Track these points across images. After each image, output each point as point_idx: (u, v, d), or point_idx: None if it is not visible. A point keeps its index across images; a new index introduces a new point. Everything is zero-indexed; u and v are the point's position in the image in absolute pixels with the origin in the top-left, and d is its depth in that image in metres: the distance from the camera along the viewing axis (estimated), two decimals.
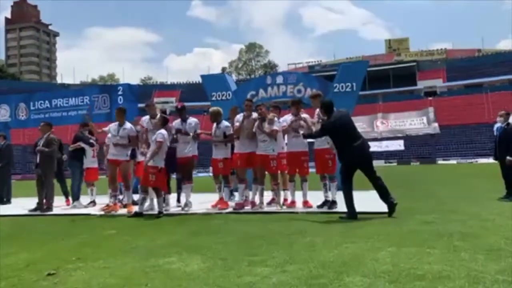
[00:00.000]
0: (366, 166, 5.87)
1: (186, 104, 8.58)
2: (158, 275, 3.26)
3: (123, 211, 7.39)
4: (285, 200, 7.21)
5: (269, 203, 7.17)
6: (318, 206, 6.68)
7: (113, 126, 7.59)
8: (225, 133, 7.18)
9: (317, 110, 6.73)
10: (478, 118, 52.05)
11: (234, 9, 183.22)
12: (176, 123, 7.46)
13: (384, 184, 5.88)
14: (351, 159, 5.78)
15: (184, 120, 7.37)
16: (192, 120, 7.45)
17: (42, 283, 3.17)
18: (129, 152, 7.62)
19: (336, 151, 6.24)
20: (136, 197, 7.84)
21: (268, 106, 7.86)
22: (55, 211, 7.98)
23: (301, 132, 6.70)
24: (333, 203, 6.55)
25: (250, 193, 7.09)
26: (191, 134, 7.22)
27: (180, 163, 7.30)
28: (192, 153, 7.36)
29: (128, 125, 7.64)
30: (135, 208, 7.06)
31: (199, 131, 7.44)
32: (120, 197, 8.03)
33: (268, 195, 7.39)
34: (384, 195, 5.79)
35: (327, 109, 5.99)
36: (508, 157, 7.50)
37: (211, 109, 7.49)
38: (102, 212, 7.40)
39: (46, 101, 10.98)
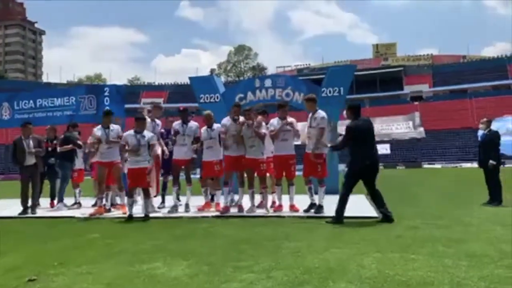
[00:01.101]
0: (373, 177, 5.99)
1: (173, 105, 8.56)
2: (142, 280, 3.22)
3: (109, 214, 7.33)
4: (273, 203, 7.22)
5: (258, 206, 7.16)
6: (305, 210, 6.68)
7: (99, 130, 7.47)
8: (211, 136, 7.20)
9: (310, 114, 6.74)
10: (463, 123, 52.90)
11: (222, 10, 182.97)
12: (176, 124, 7.45)
13: (381, 195, 5.98)
14: (362, 165, 5.85)
15: (185, 123, 7.35)
16: (193, 123, 7.43)
17: None
18: (118, 153, 7.52)
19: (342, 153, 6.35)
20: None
21: (259, 109, 7.87)
22: (39, 213, 7.82)
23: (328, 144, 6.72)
24: (319, 207, 6.55)
25: (235, 196, 7.04)
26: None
27: (180, 165, 7.33)
28: (191, 155, 7.39)
29: (115, 126, 7.58)
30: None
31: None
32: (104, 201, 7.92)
33: (256, 199, 7.38)
34: (381, 205, 5.87)
35: (356, 111, 6.08)
36: (490, 161, 7.67)
37: (206, 112, 7.44)
38: (86, 215, 7.29)
39: (31, 101, 10.78)
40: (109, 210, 7.58)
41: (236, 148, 6.99)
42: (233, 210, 6.99)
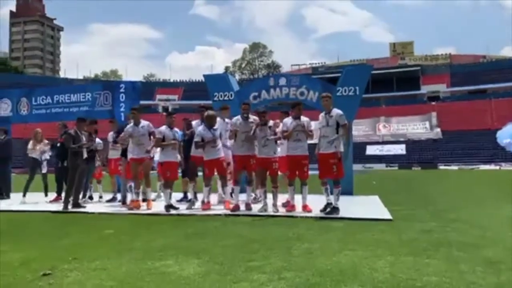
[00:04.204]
0: None
1: (188, 102, 8.66)
2: (154, 278, 3.24)
3: (124, 209, 7.43)
4: (288, 202, 7.21)
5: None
6: (321, 210, 6.60)
7: (129, 128, 7.60)
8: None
9: (323, 113, 6.67)
10: (481, 124, 51.88)
11: (237, 8, 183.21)
12: (196, 123, 7.77)
13: None
14: None
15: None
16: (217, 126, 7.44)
17: (37, 284, 3.15)
18: (150, 149, 7.68)
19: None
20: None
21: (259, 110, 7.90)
22: (56, 207, 7.96)
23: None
24: (334, 209, 6.43)
25: (243, 196, 7.25)
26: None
27: (197, 162, 7.62)
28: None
29: (144, 122, 7.69)
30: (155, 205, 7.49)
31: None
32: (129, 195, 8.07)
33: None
34: None
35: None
36: None
37: (210, 113, 7.41)
38: (101, 210, 7.43)
39: (48, 97, 10.98)
40: (144, 201, 7.80)
41: (246, 147, 7.02)
42: (242, 208, 7.01)
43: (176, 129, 7.57)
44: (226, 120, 7.91)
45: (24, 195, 9.23)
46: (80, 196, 8.39)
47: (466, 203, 8.68)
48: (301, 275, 3.22)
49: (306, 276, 3.20)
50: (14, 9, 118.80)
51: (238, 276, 3.23)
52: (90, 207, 7.95)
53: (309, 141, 6.91)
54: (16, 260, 3.82)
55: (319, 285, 3.00)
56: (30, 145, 9.59)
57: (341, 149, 6.56)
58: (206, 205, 7.25)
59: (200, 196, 7.67)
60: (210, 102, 10.91)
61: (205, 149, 7.18)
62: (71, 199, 7.82)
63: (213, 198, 7.73)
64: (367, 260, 3.68)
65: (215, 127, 7.24)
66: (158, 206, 7.58)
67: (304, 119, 6.83)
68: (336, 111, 6.56)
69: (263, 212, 6.73)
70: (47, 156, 9.69)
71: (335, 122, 6.49)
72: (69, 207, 7.72)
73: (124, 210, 7.53)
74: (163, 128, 7.37)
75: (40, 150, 9.50)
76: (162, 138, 7.28)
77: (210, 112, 7.43)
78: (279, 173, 7.26)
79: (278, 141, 7.06)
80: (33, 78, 74.47)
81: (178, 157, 7.55)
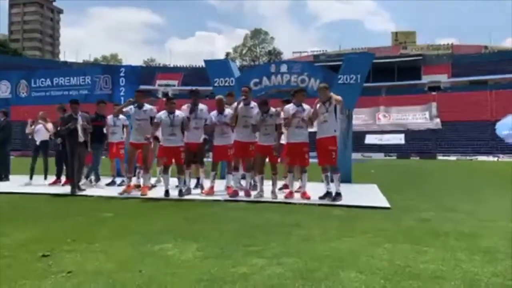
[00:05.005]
0: None
1: (188, 88, 8.60)
2: (153, 261, 3.26)
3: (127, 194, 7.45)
4: (286, 186, 7.28)
5: (280, 189, 7.32)
6: (320, 198, 6.62)
7: (132, 109, 7.51)
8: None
9: (317, 100, 6.65)
10: (481, 115, 51.90)
11: None
12: (186, 107, 7.57)
13: None
14: None
15: (196, 105, 7.41)
16: (203, 106, 7.48)
17: (37, 265, 3.16)
18: (149, 135, 7.58)
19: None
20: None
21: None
22: (56, 190, 7.98)
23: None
24: (337, 195, 6.45)
25: (242, 182, 7.28)
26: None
27: (192, 148, 7.47)
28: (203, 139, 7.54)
29: (147, 106, 7.61)
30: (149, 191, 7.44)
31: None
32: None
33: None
34: None
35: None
36: None
37: (218, 97, 7.40)
38: (99, 194, 7.43)
39: (48, 79, 10.93)
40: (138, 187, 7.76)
41: (246, 134, 6.99)
42: (241, 194, 7.05)
43: (213, 112, 7.34)
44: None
45: (31, 178, 9.31)
46: (82, 178, 8.37)
47: (464, 193, 8.72)
48: (300, 261, 3.24)
49: (304, 262, 3.22)
50: None
51: (237, 260, 3.25)
52: (89, 191, 7.95)
53: (310, 129, 6.91)
54: (16, 242, 3.84)
55: (317, 270, 3.02)
56: (39, 127, 9.43)
57: (339, 131, 6.71)
58: (210, 190, 7.26)
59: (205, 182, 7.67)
60: (210, 88, 10.86)
61: (214, 134, 7.21)
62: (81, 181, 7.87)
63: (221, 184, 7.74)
64: (365, 247, 3.70)
65: (225, 113, 7.20)
66: (158, 192, 7.57)
67: (305, 106, 6.80)
68: (333, 96, 6.53)
69: (259, 198, 6.75)
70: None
71: (334, 106, 6.47)
72: (77, 190, 7.63)
73: (125, 194, 7.44)
74: (161, 113, 7.18)
75: (51, 130, 9.43)
76: (158, 123, 7.11)
77: (219, 96, 7.43)
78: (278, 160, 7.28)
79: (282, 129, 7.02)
80: (32, 61, 73.98)
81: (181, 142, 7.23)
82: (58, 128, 8.73)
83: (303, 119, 6.68)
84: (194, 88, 7.94)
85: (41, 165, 9.64)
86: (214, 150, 7.39)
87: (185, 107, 7.58)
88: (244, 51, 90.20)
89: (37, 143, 9.44)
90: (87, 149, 8.13)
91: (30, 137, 9.57)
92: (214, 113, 7.27)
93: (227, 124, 7.13)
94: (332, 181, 6.64)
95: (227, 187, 7.46)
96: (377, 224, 4.78)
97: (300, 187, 7.08)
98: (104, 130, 8.88)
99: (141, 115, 7.48)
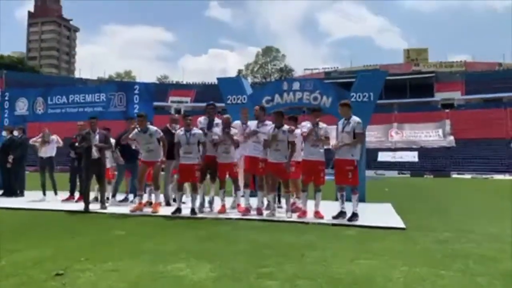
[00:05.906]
0: None
1: (200, 105, 8.65)
2: (166, 281, 3.23)
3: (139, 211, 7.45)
4: (294, 204, 7.21)
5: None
6: (334, 217, 6.54)
7: (136, 134, 7.56)
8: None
9: (343, 119, 6.64)
10: (496, 133, 51.15)
11: (250, 12, 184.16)
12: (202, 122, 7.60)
13: None
14: None
15: (211, 121, 7.51)
16: (233, 131, 7.42)
17: (50, 283, 3.16)
18: (161, 153, 7.61)
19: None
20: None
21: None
22: (69, 207, 8.03)
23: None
24: (354, 215, 6.37)
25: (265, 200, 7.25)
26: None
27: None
28: (214, 154, 7.42)
29: (152, 129, 7.59)
30: (161, 208, 7.49)
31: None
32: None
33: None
34: None
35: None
36: None
37: (225, 116, 7.46)
38: (111, 211, 7.45)
39: (64, 96, 11.12)
40: (150, 204, 7.77)
41: (258, 150, 7.04)
42: (253, 212, 7.00)
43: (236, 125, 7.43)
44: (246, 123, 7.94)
45: (44, 194, 9.58)
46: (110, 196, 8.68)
47: (482, 213, 8.52)
48: (314, 283, 3.18)
49: (319, 284, 3.15)
50: (32, 10, 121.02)
51: (251, 282, 3.20)
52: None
53: (326, 147, 6.88)
54: (29, 259, 3.85)
55: None
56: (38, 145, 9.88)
57: (358, 157, 6.53)
58: (221, 208, 7.25)
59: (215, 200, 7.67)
60: (223, 104, 10.93)
61: (217, 151, 7.22)
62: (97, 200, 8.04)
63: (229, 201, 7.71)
64: (381, 269, 3.62)
65: (229, 130, 7.23)
66: (167, 209, 7.54)
67: (322, 125, 6.79)
68: (354, 119, 6.52)
69: (271, 217, 6.69)
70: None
71: (353, 129, 6.44)
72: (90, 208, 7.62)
73: (137, 212, 7.44)
74: (179, 131, 7.26)
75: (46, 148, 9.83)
76: (179, 143, 7.11)
77: (227, 115, 7.52)
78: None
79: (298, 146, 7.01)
80: (48, 78, 75.70)
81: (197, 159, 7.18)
82: (76, 144, 8.82)
83: (320, 138, 6.66)
84: (211, 102, 7.93)
85: (49, 181, 9.80)
86: (219, 168, 7.36)
87: (201, 119, 7.63)
88: (255, 69, 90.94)
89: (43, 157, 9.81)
90: (104, 166, 8.12)
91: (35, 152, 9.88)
92: (218, 129, 7.34)
93: (231, 141, 7.18)
94: (347, 200, 6.58)
95: (237, 205, 7.42)
96: (392, 245, 4.68)
97: (294, 203, 7.13)
98: (133, 146, 8.73)
99: (147, 138, 7.51)
